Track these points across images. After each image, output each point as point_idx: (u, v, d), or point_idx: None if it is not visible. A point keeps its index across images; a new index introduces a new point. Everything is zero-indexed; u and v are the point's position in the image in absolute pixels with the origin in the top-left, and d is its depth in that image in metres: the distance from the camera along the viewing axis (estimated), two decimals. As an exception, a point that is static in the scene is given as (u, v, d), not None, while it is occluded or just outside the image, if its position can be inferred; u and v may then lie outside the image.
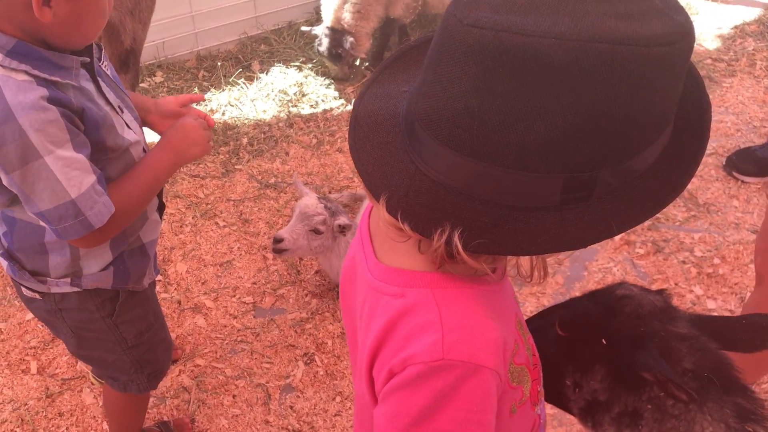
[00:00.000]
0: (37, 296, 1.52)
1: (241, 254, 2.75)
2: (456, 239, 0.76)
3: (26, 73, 1.19)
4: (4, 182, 1.26)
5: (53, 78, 1.22)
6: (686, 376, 0.98)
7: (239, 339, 2.42)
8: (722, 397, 0.98)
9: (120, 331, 1.61)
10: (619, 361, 1.02)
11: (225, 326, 2.47)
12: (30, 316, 2.46)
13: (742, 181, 3.01)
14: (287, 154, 3.25)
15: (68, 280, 1.48)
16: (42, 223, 1.35)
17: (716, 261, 2.66)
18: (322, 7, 3.52)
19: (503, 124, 0.71)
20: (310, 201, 2.32)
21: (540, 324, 1.13)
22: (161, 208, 1.60)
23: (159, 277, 2.63)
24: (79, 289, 1.50)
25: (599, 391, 1.05)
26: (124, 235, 1.49)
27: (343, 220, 2.32)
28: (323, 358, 2.35)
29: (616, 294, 1.07)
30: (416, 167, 0.81)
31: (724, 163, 3.09)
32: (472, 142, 0.74)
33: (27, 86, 1.18)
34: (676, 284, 2.59)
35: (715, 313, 2.48)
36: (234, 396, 2.24)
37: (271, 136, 3.33)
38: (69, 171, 1.22)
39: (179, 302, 2.54)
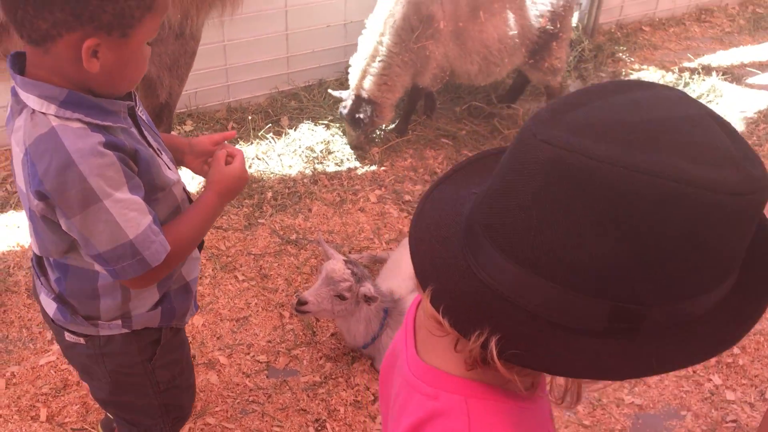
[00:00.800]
0: (81, 341, 1.55)
1: (258, 310, 2.75)
2: (492, 344, 0.76)
3: (80, 120, 1.25)
4: (64, 227, 1.31)
5: (105, 123, 1.29)
6: None
7: (251, 399, 2.40)
8: None
9: (156, 375, 1.65)
10: None
11: (237, 384, 2.45)
12: (44, 360, 2.46)
13: None
14: (310, 210, 3.27)
15: (119, 321, 1.52)
16: (96, 268, 1.40)
17: (736, 351, 2.63)
18: (349, 71, 3.57)
19: (560, 241, 0.73)
20: (337, 266, 2.33)
21: None
22: (201, 245, 1.66)
23: (175, 329, 2.63)
24: (128, 331, 1.54)
25: None
26: (169, 275, 1.53)
27: (368, 288, 2.32)
28: (335, 426, 2.32)
29: None
30: (468, 266, 0.82)
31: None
32: (526, 253, 0.75)
33: (83, 133, 1.24)
34: (694, 372, 2.56)
35: (735, 406, 2.45)
36: (242, 459, 2.21)
37: (296, 192, 3.36)
38: (127, 212, 1.28)
39: (194, 356, 2.53)
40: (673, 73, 4.59)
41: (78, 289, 1.47)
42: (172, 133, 3.30)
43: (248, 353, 2.57)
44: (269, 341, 2.62)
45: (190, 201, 1.56)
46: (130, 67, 1.29)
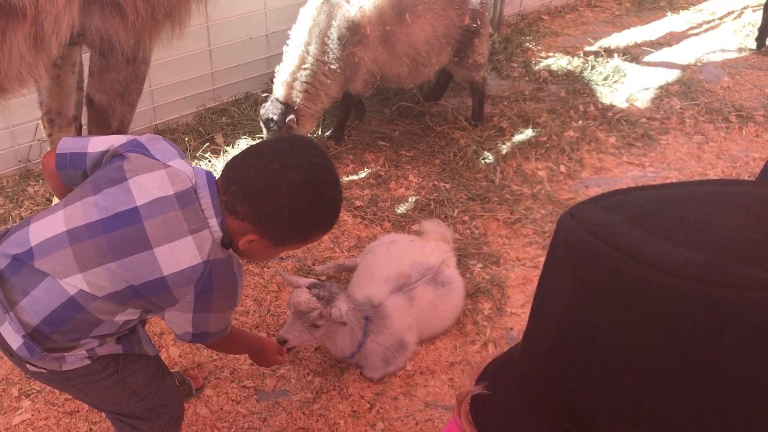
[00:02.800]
0: (44, 370, 1.62)
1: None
2: None
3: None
4: (188, 311, 1.59)
5: None
6: None
7: (246, 426, 2.36)
8: None
9: (128, 384, 1.74)
10: None
11: (229, 413, 2.40)
12: (18, 419, 2.31)
13: None
14: (262, 227, 3.23)
15: (84, 353, 1.61)
16: (114, 319, 1.58)
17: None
18: (275, 80, 3.52)
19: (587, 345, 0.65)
20: (302, 297, 2.30)
21: None
22: None
23: (151, 366, 2.54)
24: (89, 362, 1.63)
25: None
26: None
27: (338, 310, 2.30)
28: (338, 439, 2.33)
29: None
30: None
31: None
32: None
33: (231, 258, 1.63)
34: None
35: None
36: (252, 487, 2.18)
37: (244, 210, 3.30)
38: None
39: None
40: (579, 57, 4.85)
41: (74, 329, 1.56)
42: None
43: (233, 380, 2.52)
44: (252, 364, 2.57)
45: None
46: (263, 256, 1.73)
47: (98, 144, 1.63)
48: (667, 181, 3.60)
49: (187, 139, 3.68)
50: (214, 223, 1.54)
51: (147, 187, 1.52)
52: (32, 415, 2.32)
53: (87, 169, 1.64)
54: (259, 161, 1.56)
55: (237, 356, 2.59)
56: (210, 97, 3.94)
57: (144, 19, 2.23)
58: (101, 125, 2.55)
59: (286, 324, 2.37)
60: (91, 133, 2.63)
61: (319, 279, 2.73)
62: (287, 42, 3.51)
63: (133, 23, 2.21)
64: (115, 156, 1.60)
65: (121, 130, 2.61)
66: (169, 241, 1.51)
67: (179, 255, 1.51)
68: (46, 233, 1.54)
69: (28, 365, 1.62)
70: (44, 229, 1.55)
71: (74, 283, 1.51)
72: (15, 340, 1.54)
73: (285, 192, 1.54)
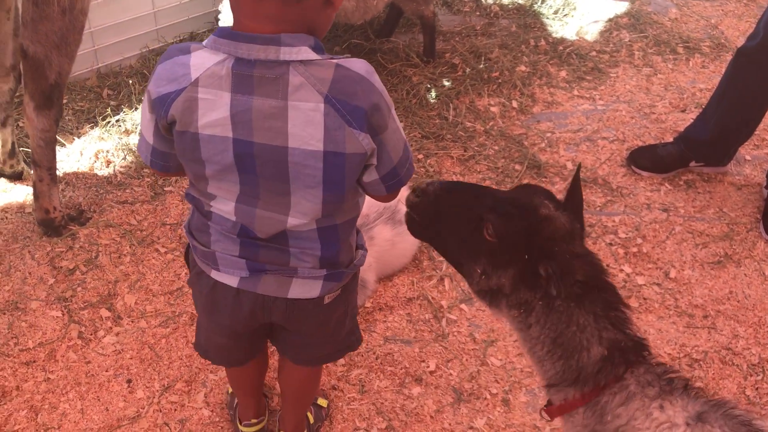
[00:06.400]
0: (338, 292, 1.61)
1: (190, 280, 2.68)
2: None
3: None
4: (371, 152, 1.35)
5: None
6: (576, 285, 1.31)
7: (197, 369, 2.37)
8: (596, 295, 1.35)
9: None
10: (529, 268, 1.33)
11: (189, 356, 2.41)
12: (-27, 372, 2.28)
13: (640, 175, 3.30)
14: (215, 171, 3.17)
15: (360, 251, 1.64)
16: (358, 212, 1.55)
17: (639, 240, 2.93)
18: (219, 18, 3.42)
19: None
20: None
21: (468, 214, 1.40)
22: None
23: (108, 313, 2.51)
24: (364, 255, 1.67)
25: (506, 286, 1.38)
26: None
27: None
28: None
29: (540, 214, 1.36)
30: None
31: (626, 156, 3.37)
32: None
33: (355, 60, 1.32)
34: (607, 265, 2.82)
35: (645, 288, 2.75)
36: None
37: (195, 154, 3.24)
38: (398, 122, 1.40)
39: (138, 338, 2.44)
40: (529, -9, 4.81)
41: (345, 242, 1.55)
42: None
43: (192, 324, 2.51)
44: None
45: None
46: (333, 9, 1.35)
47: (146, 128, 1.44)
48: (617, 114, 3.64)
49: (131, 82, 3.56)
50: (290, 50, 1.25)
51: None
52: (-13, 367, 2.29)
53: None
54: None
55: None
56: (153, 38, 3.80)
57: None
58: (37, 78, 2.44)
59: None
60: (26, 86, 2.51)
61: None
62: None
63: None
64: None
65: (59, 82, 2.49)
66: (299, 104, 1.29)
67: (295, 116, 1.31)
68: None
69: (326, 297, 1.60)
70: None
71: None
72: (313, 288, 1.57)
73: None
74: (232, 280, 1.54)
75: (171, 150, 1.43)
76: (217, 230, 1.50)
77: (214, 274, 1.56)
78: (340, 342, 1.82)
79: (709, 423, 1.25)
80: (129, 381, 2.31)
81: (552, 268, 1.29)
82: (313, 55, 1.26)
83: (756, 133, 3.33)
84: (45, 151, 2.64)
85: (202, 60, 1.28)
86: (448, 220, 1.45)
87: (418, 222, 1.52)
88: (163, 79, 1.31)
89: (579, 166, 1.59)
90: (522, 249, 1.34)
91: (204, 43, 1.32)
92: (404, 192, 2.81)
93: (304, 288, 1.54)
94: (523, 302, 1.38)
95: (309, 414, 2.16)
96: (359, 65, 1.30)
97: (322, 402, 2.24)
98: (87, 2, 2.37)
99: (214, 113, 1.28)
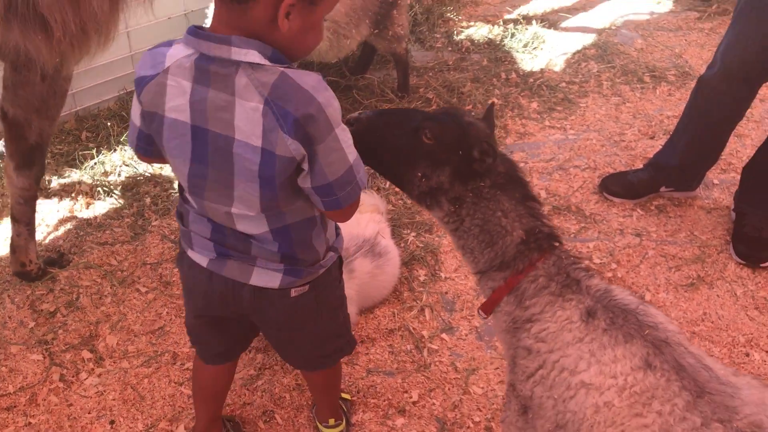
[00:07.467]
0: (306, 288, 1.70)
1: (171, 318, 2.68)
2: None
3: None
4: (304, 165, 1.41)
5: None
6: (499, 176, 1.59)
7: (190, 404, 2.37)
8: (515, 186, 1.61)
9: (341, 287, 1.88)
10: (462, 162, 1.57)
11: (172, 396, 2.41)
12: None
13: (612, 201, 3.37)
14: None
15: (331, 253, 1.73)
16: (314, 213, 1.59)
17: (613, 266, 2.99)
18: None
19: None
20: None
21: (404, 127, 1.62)
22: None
23: (90, 355, 2.51)
24: (336, 257, 1.77)
25: (444, 183, 1.60)
26: None
27: None
28: (283, 414, 2.37)
29: (466, 120, 1.63)
30: None
31: (598, 183, 3.45)
32: None
33: (306, 73, 1.38)
34: (584, 291, 2.88)
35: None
36: (201, 465, 2.20)
37: (175, 192, 3.27)
38: (347, 139, 1.44)
39: (121, 378, 2.44)
40: (499, 26, 4.95)
41: (301, 242, 1.62)
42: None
43: (174, 363, 2.52)
44: (192, 347, 2.57)
45: None
46: (310, 35, 1.42)
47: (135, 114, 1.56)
48: (588, 143, 3.73)
49: (110, 124, 3.60)
50: (239, 51, 1.35)
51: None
52: (-33, 414, 2.27)
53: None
54: None
55: (176, 341, 2.59)
56: (130, 80, 3.84)
57: (73, 35, 2.10)
58: (16, 139, 2.44)
59: None
60: (6, 146, 2.51)
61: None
62: (205, 21, 3.47)
63: (59, 40, 2.08)
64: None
65: (41, 143, 2.49)
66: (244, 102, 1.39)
67: (239, 112, 1.40)
68: None
69: (292, 291, 1.70)
70: None
71: None
72: (274, 278, 1.67)
73: None
74: (202, 260, 1.67)
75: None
76: (192, 211, 1.63)
77: (190, 253, 1.70)
78: (328, 344, 1.94)
79: (597, 318, 1.46)
80: (112, 422, 2.31)
81: (483, 147, 1.55)
82: (262, 60, 1.36)
83: (722, 157, 3.43)
84: (24, 209, 2.65)
85: (177, 51, 1.43)
86: (387, 137, 1.66)
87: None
88: (146, 64, 1.46)
89: (492, 105, 1.82)
90: (456, 147, 1.57)
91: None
92: (385, 227, 2.88)
93: (265, 277, 1.65)
94: (458, 197, 1.60)
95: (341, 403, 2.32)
96: (307, 78, 1.37)
97: (345, 395, 2.39)
98: (71, 69, 2.37)
99: (178, 99, 1.42)
